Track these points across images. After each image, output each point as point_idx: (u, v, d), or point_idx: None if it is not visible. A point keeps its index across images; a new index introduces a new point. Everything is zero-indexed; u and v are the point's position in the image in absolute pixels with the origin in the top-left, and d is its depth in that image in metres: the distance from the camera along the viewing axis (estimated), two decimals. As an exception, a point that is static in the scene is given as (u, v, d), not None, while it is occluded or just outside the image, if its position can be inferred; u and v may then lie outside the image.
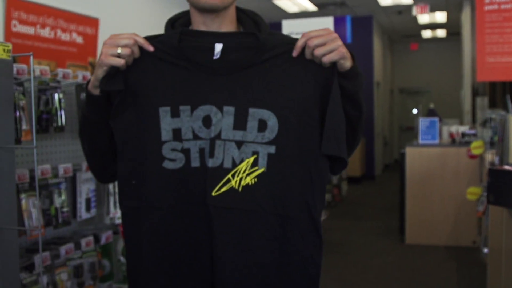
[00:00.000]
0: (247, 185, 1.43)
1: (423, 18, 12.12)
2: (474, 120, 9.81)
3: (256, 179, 1.44)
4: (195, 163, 1.44)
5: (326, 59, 1.42)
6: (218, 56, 1.43)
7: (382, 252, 6.09)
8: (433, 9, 10.92)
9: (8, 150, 2.02)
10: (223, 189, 1.43)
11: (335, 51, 1.41)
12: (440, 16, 11.98)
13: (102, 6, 6.51)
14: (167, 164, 1.44)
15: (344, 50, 1.42)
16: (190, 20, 1.60)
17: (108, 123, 1.49)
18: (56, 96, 2.67)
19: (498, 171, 2.75)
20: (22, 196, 2.45)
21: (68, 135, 2.96)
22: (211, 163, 1.43)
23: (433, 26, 13.41)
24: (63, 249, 2.72)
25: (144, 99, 1.45)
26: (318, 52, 1.41)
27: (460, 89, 11.04)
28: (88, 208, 2.99)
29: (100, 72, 1.43)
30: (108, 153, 1.54)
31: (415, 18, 12.03)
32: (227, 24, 1.56)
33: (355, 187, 10.86)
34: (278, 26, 8.22)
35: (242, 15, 1.62)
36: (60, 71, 2.71)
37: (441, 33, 14.33)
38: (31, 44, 5.36)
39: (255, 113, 1.43)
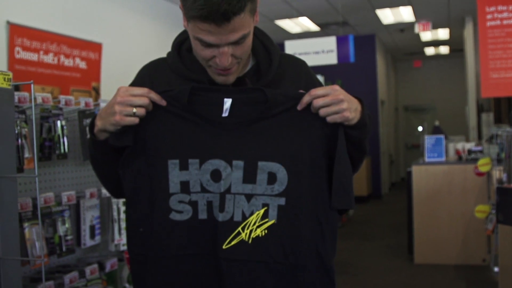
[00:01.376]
0: (257, 237, 1.43)
1: (426, 35, 12.13)
2: (480, 136, 9.77)
3: (266, 231, 1.44)
4: (203, 215, 1.44)
5: (330, 120, 1.42)
6: (226, 113, 1.44)
7: (391, 272, 6.02)
8: (435, 26, 10.94)
9: (10, 179, 2.00)
10: (233, 242, 1.43)
11: (339, 114, 1.41)
12: (443, 33, 12.00)
13: (105, 31, 6.54)
14: (174, 216, 1.45)
15: (348, 115, 1.41)
16: None
17: (116, 158, 1.48)
18: (58, 123, 2.66)
19: (507, 189, 2.71)
20: (25, 225, 2.43)
21: (71, 162, 2.94)
22: (221, 217, 1.43)
23: (436, 43, 13.42)
24: (67, 278, 2.68)
25: (153, 151, 1.45)
26: (322, 112, 1.42)
27: (465, 105, 11.01)
28: (92, 235, 2.96)
29: (112, 128, 1.42)
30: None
31: (417, 36, 12.05)
32: None
33: (362, 206, 10.80)
34: (281, 46, 8.21)
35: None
36: (63, 98, 2.70)
37: (444, 49, 14.35)
38: (34, 71, 5.38)
39: (264, 166, 1.43)
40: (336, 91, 1.42)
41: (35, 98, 2.37)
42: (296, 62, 1.68)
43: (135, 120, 1.40)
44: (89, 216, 2.94)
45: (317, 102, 1.41)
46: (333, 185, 1.44)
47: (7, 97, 1.91)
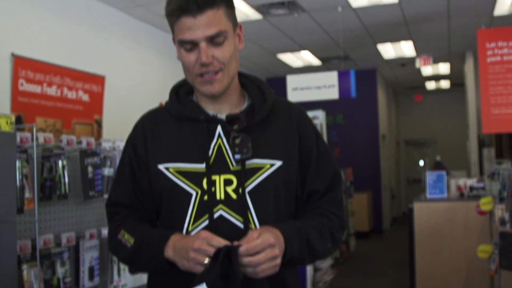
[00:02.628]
0: None
1: (427, 69, 12.19)
2: (481, 171, 9.74)
3: None
4: None
5: (261, 275, 1.44)
6: None
7: (393, 311, 5.95)
8: (436, 61, 11.00)
9: (10, 222, 1.98)
10: None
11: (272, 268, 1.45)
12: (444, 68, 12.05)
13: (108, 64, 6.58)
14: None
15: (279, 264, 1.45)
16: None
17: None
18: (60, 162, 2.65)
19: (509, 234, 2.68)
20: (24, 266, 2.40)
21: (71, 201, 2.93)
22: None
23: (436, 78, 13.48)
24: (65, 320, 2.64)
25: None
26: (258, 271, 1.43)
27: (466, 139, 11.01)
28: (91, 277, 2.92)
29: (183, 269, 1.46)
30: None
31: (418, 70, 12.11)
32: (231, 93, 1.63)
33: (363, 242, 10.71)
34: (283, 80, 8.27)
35: (247, 80, 1.68)
36: (64, 137, 2.70)
37: (445, 84, 14.40)
38: (37, 103, 5.39)
39: None
40: (268, 242, 1.42)
41: (37, 138, 2.37)
42: (290, 106, 1.72)
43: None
44: (88, 257, 2.91)
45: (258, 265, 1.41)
46: None
47: (9, 140, 1.90)
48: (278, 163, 1.59)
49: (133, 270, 1.60)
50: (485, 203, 5.00)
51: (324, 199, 1.67)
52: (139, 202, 1.63)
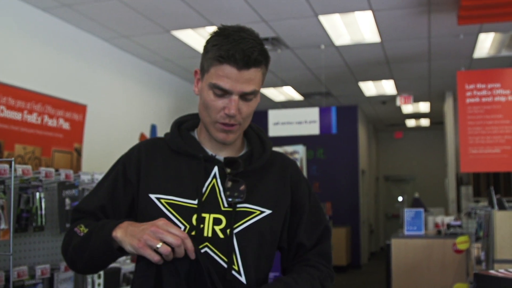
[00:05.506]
0: None
1: (407, 108, 12.34)
2: (459, 209, 9.82)
3: None
4: None
5: None
6: None
7: None
8: (416, 100, 11.14)
9: (-17, 255, 1.96)
10: None
11: None
12: (424, 106, 12.21)
13: (90, 93, 6.58)
14: None
15: None
16: (197, 124, 1.70)
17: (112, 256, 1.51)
18: (37, 194, 2.64)
19: (484, 276, 2.70)
20: (-4, 299, 2.37)
21: (47, 233, 2.90)
22: None
23: (417, 116, 13.64)
24: None
25: None
26: None
27: (445, 177, 11.12)
28: (64, 310, 2.89)
29: (128, 249, 1.44)
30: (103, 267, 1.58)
31: (399, 108, 12.25)
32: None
33: (340, 276, 10.68)
34: (265, 114, 8.32)
35: (248, 128, 1.72)
36: (43, 170, 2.69)
37: (424, 122, 14.57)
38: (17, 130, 5.36)
39: None
40: None
41: (15, 170, 2.36)
42: (286, 159, 1.77)
43: (155, 257, 1.40)
44: (63, 290, 2.88)
45: None
46: None
47: (-13, 172, 1.90)
48: (267, 212, 1.61)
49: (75, 265, 1.55)
50: (462, 242, 5.04)
51: (312, 251, 1.69)
52: (106, 217, 1.62)
